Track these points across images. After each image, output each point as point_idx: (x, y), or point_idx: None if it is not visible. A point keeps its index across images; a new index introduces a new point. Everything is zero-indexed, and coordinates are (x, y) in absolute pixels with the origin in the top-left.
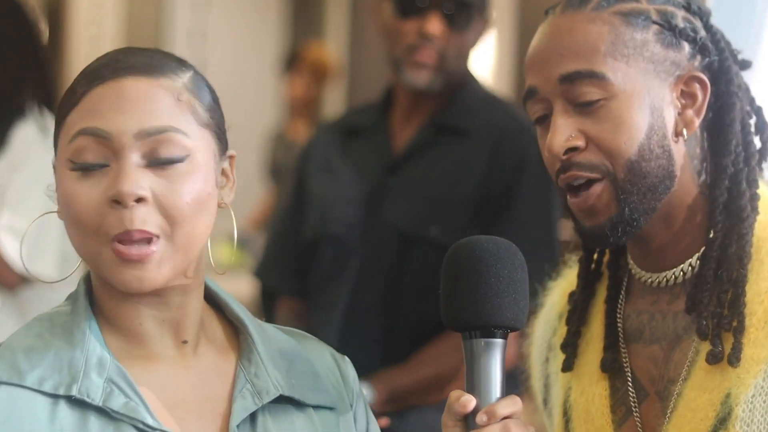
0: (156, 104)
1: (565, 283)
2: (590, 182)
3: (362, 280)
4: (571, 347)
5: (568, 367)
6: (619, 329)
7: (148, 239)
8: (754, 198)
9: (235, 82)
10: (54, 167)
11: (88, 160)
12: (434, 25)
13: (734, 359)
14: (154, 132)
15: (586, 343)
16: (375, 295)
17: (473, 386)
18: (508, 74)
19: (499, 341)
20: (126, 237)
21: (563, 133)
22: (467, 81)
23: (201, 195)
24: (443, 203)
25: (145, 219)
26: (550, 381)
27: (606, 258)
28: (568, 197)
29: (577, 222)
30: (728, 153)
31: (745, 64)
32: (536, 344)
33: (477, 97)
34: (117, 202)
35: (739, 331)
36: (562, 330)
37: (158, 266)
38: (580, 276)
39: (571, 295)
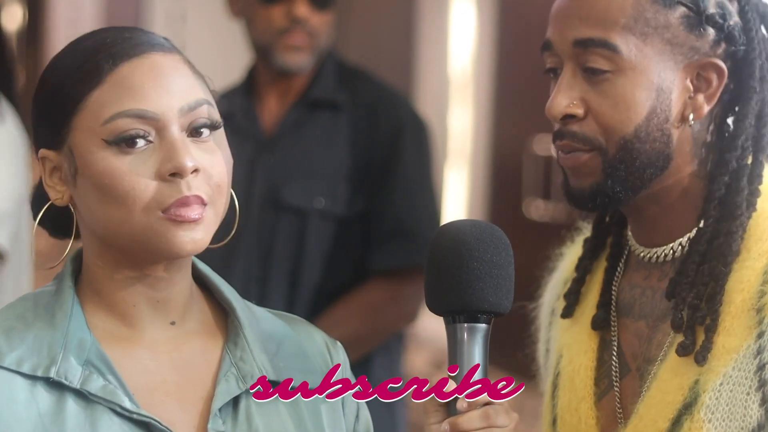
0: (187, 79)
1: (577, 248)
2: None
3: (257, 257)
4: (573, 295)
5: (568, 314)
6: (613, 300)
7: (203, 203)
8: (753, 194)
9: (214, 65)
10: (51, 144)
11: (131, 136)
12: (302, 9)
13: (701, 357)
14: (194, 106)
15: (581, 312)
16: (272, 269)
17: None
18: (490, 51)
19: (482, 326)
20: (183, 202)
21: (566, 97)
22: (328, 55)
23: (230, 167)
24: (325, 176)
25: (199, 186)
26: (550, 346)
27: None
28: (558, 153)
29: (565, 178)
30: (734, 148)
31: None
32: (543, 308)
33: (342, 71)
34: (175, 175)
35: (710, 328)
36: None
37: (206, 229)
38: (585, 241)
39: (580, 260)
